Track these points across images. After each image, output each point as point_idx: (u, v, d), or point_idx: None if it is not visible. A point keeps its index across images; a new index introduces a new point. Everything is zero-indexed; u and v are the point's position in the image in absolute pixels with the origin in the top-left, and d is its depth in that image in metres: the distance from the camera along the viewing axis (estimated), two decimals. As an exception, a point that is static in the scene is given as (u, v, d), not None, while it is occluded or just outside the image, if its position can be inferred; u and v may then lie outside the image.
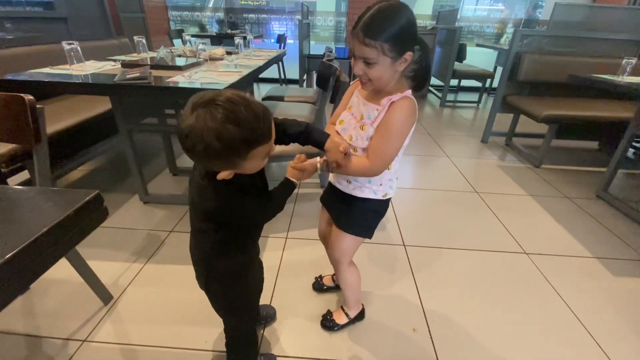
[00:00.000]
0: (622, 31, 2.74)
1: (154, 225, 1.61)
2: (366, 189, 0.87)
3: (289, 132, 0.74)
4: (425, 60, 0.75)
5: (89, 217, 0.50)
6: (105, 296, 1.16)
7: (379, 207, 0.90)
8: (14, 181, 1.62)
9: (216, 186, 0.59)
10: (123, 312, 1.15)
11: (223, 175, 0.57)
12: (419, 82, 0.78)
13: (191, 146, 0.50)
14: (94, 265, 1.13)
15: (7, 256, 0.37)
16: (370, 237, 0.95)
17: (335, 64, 1.81)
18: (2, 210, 0.45)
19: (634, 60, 2.11)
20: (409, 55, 0.70)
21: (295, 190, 2.06)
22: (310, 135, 0.76)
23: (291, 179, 0.76)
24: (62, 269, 1.00)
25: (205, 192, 0.60)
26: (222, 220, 0.65)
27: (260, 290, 0.88)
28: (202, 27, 5.56)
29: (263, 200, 0.69)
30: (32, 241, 0.37)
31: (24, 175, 1.56)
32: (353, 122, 0.82)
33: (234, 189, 0.61)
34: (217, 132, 0.48)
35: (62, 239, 0.43)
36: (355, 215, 0.91)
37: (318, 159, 0.82)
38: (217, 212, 0.62)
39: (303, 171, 0.78)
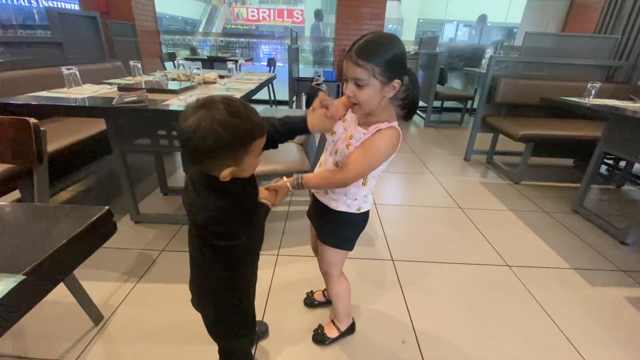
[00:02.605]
0: (588, 57, 2.98)
1: (145, 245, 1.62)
2: (341, 202, 0.90)
3: (292, 121, 0.78)
4: (413, 92, 0.81)
5: (100, 231, 0.53)
6: (96, 316, 1.16)
7: (355, 221, 0.94)
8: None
9: (214, 193, 0.61)
10: (114, 332, 1.14)
11: (225, 173, 0.59)
12: (407, 112, 0.84)
13: (200, 140, 0.53)
14: (85, 285, 1.14)
15: (27, 268, 0.40)
16: (350, 249, 0.98)
17: (324, 87, 1.91)
18: (19, 224, 0.48)
19: (598, 84, 2.29)
20: (397, 82, 0.75)
21: (286, 208, 2.11)
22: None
23: (264, 201, 0.76)
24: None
25: (202, 201, 0.62)
26: (216, 228, 0.64)
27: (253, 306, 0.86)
28: (193, 51, 5.69)
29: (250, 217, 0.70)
30: (53, 252, 0.41)
31: (13, 195, 1.55)
32: (343, 136, 0.85)
33: (229, 197, 0.63)
34: (224, 123, 0.54)
35: (77, 251, 0.47)
36: (334, 227, 0.95)
37: (285, 178, 0.84)
38: (213, 221, 0.62)
39: (276, 192, 0.80)
